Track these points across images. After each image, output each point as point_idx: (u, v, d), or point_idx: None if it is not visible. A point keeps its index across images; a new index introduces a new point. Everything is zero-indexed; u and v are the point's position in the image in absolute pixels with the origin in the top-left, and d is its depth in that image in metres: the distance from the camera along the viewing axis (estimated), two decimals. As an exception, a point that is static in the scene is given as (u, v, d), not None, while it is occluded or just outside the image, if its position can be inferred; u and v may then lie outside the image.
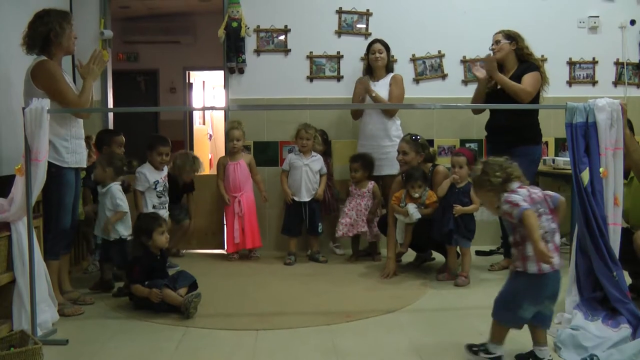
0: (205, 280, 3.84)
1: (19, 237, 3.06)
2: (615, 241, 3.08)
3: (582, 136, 3.11)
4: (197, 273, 3.72)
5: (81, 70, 3.51)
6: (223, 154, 5.33)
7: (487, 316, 3.36)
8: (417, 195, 4.26)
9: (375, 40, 4.98)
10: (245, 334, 3.12)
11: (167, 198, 4.65)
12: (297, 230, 4.95)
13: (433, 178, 4.36)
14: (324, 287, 4.06)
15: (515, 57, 4.37)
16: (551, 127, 5.16)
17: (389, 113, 4.87)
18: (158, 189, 4.56)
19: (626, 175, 3.29)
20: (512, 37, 4.37)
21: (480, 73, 4.44)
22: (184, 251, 5.20)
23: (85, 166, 3.69)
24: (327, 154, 5.20)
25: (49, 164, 3.22)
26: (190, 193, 5.11)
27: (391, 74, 4.96)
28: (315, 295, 3.86)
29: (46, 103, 3.01)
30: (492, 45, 4.43)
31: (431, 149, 4.78)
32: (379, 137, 4.86)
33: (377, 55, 4.90)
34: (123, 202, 3.90)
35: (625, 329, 2.82)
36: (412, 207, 4.21)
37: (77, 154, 3.51)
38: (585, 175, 3.07)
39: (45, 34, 3.37)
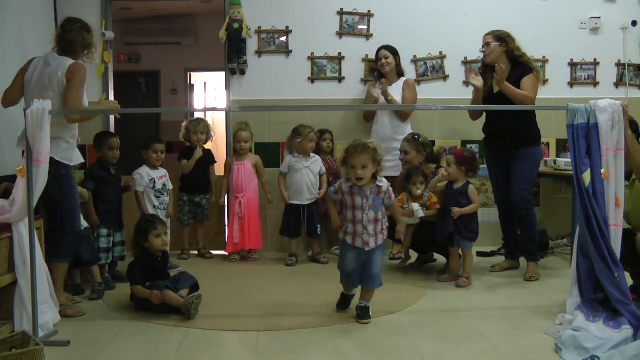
0: (206, 281, 3.84)
1: (20, 239, 3.06)
2: (616, 242, 3.08)
3: (584, 137, 3.11)
4: (199, 274, 3.72)
5: (103, 101, 3.77)
6: (224, 155, 5.34)
7: (488, 317, 3.38)
8: (419, 192, 4.27)
9: (381, 47, 5.05)
10: (247, 335, 3.12)
11: (167, 198, 4.67)
12: (295, 231, 4.94)
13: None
14: (326, 288, 4.05)
15: (506, 59, 4.27)
16: (552, 128, 5.17)
17: (403, 117, 4.91)
18: (156, 188, 4.58)
19: (628, 177, 3.29)
20: (502, 38, 4.26)
21: (478, 81, 4.36)
22: (210, 252, 5.21)
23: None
24: (332, 153, 5.21)
25: (60, 164, 3.32)
26: (212, 166, 5.20)
27: (403, 79, 5.02)
28: (317, 297, 3.86)
29: (48, 104, 3.01)
30: (482, 47, 4.36)
31: (435, 149, 4.78)
32: (391, 139, 4.88)
33: (384, 61, 4.98)
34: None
35: (627, 330, 2.82)
36: (416, 206, 4.24)
37: (77, 153, 3.59)
38: (587, 177, 3.07)
39: (87, 46, 3.56)
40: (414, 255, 4.67)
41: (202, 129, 5.08)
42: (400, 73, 5.08)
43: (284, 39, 5.34)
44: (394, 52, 5.02)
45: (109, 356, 2.85)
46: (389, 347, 2.94)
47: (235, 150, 5.06)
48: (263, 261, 4.94)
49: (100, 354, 2.87)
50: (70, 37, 3.50)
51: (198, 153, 5.01)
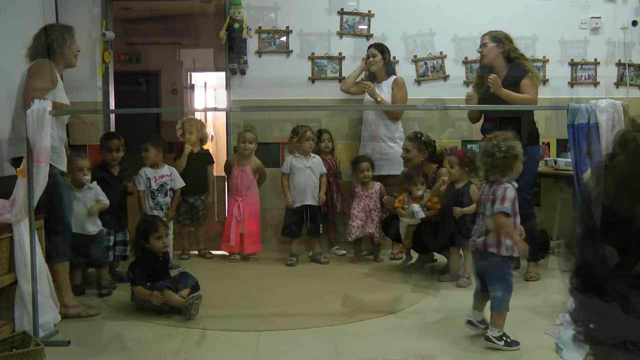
0: (206, 281, 3.83)
1: (21, 239, 3.06)
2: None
3: (584, 137, 3.11)
4: (199, 274, 3.72)
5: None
6: (224, 155, 5.33)
7: (489, 317, 3.37)
8: (420, 193, 4.27)
9: (370, 45, 5.04)
10: (247, 335, 3.12)
11: (164, 200, 4.63)
12: (297, 232, 4.93)
13: (437, 179, 4.36)
14: (326, 288, 4.06)
15: (504, 60, 4.25)
16: (553, 128, 5.17)
17: (393, 116, 4.89)
18: (152, 188, 4.58)
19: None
20: (499, 39, 4.24)
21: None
22: (210, 252, 5.18)
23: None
24: (332, 153, 5.21)
25: (52, 167, 3.27)
26: (210, 166, 5.18)
27: (393, 77, 4.97)
28: (317, 297, 3.86)
29: (48, 104, 3.01)
30: (480, 48, 4.34)
31: (438, 149, 4.78)
32: (382, 139, 4.87)
33: (370, 59, 4.94)
34: (104, 197, 4.01)
35: (627, 330, 2.81)
36: (416, 207, 4.25)
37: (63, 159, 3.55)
38: (587, 177, 3.07)
39: (49, 44, 3.46)
40: (414, 256, 4.67)
41: (189, 128, 5.06)
42: (390, 71, 5.01)
43: (284, 39, 5.33)
44: (383, 50, 4.95)
45: (109, 356, 2.86)
46: (389, 347, 2.94)
47: (238, 151, 5.04)
48: (263, 261, 4.94)
49: (101, 354, 2.87)
50: (35, 36, 3.51)
51: (187, 149, 4.99)
